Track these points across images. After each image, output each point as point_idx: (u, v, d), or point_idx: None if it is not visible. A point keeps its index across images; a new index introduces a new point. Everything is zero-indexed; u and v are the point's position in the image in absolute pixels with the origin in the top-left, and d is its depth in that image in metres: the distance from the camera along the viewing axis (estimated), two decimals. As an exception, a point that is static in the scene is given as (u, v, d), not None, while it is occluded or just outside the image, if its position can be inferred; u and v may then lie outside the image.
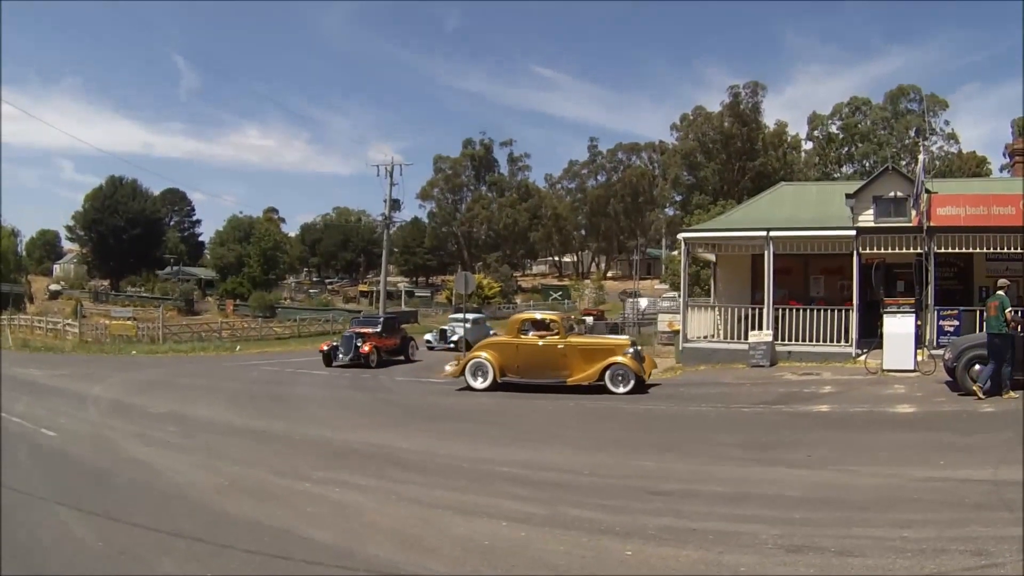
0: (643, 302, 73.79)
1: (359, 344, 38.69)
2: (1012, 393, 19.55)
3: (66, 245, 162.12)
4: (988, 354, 20.13)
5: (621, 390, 24.46)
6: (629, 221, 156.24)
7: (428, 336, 56.50)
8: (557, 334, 26.33)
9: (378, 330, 41.09)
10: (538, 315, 30.82)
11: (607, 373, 24.90)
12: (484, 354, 26.91)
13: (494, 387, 26.27)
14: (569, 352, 25.70)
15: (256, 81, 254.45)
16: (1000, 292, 20.74)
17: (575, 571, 8.26)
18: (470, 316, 56.76)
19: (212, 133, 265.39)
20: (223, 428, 19.61)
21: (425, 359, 43.37)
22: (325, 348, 40.18)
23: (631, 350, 25.50)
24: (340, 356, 38.74)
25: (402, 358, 42.58)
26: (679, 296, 38.28)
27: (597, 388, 24.98)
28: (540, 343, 26.37)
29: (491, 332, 54.93)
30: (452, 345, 51.91)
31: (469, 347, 49.63)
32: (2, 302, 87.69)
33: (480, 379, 26.53)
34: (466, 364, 27.12)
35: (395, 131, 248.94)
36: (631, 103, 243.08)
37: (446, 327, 57.15)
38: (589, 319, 68.72)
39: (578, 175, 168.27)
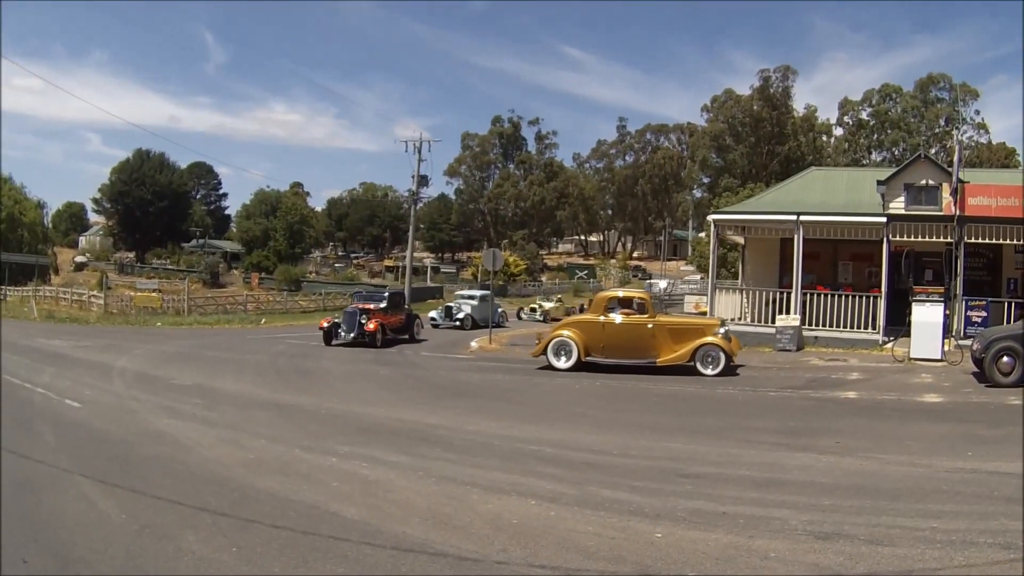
0: (662, 283, 72.74)
1: (363, 321, 36.65)
2: None
3: (92, 217, 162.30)
4: None
5: (710, 372, 24.06)
6: (656, 202, 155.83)
7: (433, 314, 54.93)
8: (646, 313, 25.68)
9: (383, 306, 38.62)
10: (622, 293, 29.42)
11: (698, 354, 24.46)
12: (568, 332, 26.17)
13: (577, 367, 25.56)
14: (658, 332, 25.07)
15: (283, 56, 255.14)
16: None
17: (604, 552, 8.22)
18: (476, 293, 57.40)
19: (239, 108, 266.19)
20: (249, 401, 19.65)
21: (431, 338, 42.43)
22: (325, 325, 38.04)
23: (722, 330, 25.05)
24: (342, 334, 36.87)
25: (406, 337, 40.03)
26: (704, 278, 38.14)
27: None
28: (628, 322, 25.58)
29: (499, 310, 55.03)
30: (458, 323, 51.98)
31: (476, 325, 49.34)
32: (27, 273, 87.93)
33: (563, 359, 25.79)
34: (548, 343, 26.31)
35: (422, 108, 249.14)
36: (658, 86, 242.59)
37: (452, 304, 55.93)
38: None
39: (606, 155, 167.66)
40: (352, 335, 36.55)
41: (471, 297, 55.24)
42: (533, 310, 62.54)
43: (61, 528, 8.99)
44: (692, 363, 24.42)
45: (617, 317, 25.67)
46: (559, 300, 66.50)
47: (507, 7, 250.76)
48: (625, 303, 26.59)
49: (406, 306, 43.46)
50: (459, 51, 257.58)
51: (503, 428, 15.96)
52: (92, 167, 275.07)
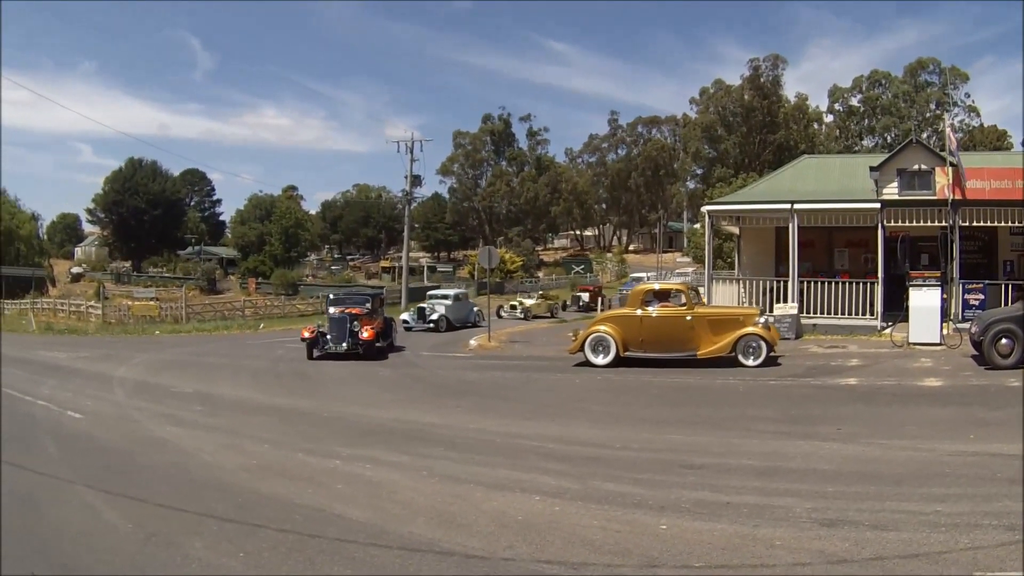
0: (645, 276, 71.14)
1: (355, 328, 31.37)
2: None
3: (87, 228, 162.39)
4: None
5: (752, 363, 23.66)
6: (650, 195, 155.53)
7: (404, 316, 50.70)
8: (684, 305, 25.22)
9: (368, 308, 33.61)
10: (658, 285, 29.12)
11: (739, 345, 24.07)
12: (605, 327, 25.54)
13: (617, 362, 24.95)
14: (697, 324, 24.60)
15: (270, 61, 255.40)
16: None
17: (610, 545, 8.26)
18: (450, 292, 54.87)
19: (228, 113, 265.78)
20: (250, 407, 19.70)
21: (406, 342, 38.21)
22: (308, 335, 31.84)
23: (762, 319, 24.80)
24: (330, 345, 31.33)
25: (387, 344, 34.08)
26: (697, 269, 37.97)
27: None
28: (666, 315, 25.11)
29: (474, 309, 53.91)
30: (432, 325, 48.58)
31: (451, 326, 47.74)
32: (24, 286, 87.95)
33: (601, 355, 25.15)
34: (586, 339, 25.66)
35: (411, 108, 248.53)
36: (645, 78, 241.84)
37: (424, 305, 51.24)
38: (584, 295, 67.91)
39: (598, 149, 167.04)
40: (343, 346, 31.14)
41: (445, 297, 52.54)
42: (513, 307, 60.02)
43: (67, 539, 9.02)
44: (733, 354, 24.07)
45: (654, 310, 25.37)
46: (541, 297, 65.07)
47: (489, 5, 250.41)
48: (663, 296, 26.31)
49: (382, 309, 37.55)
50: (444, 51, 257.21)
51: (505, 425, 15.99)
52: (85, 177, 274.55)
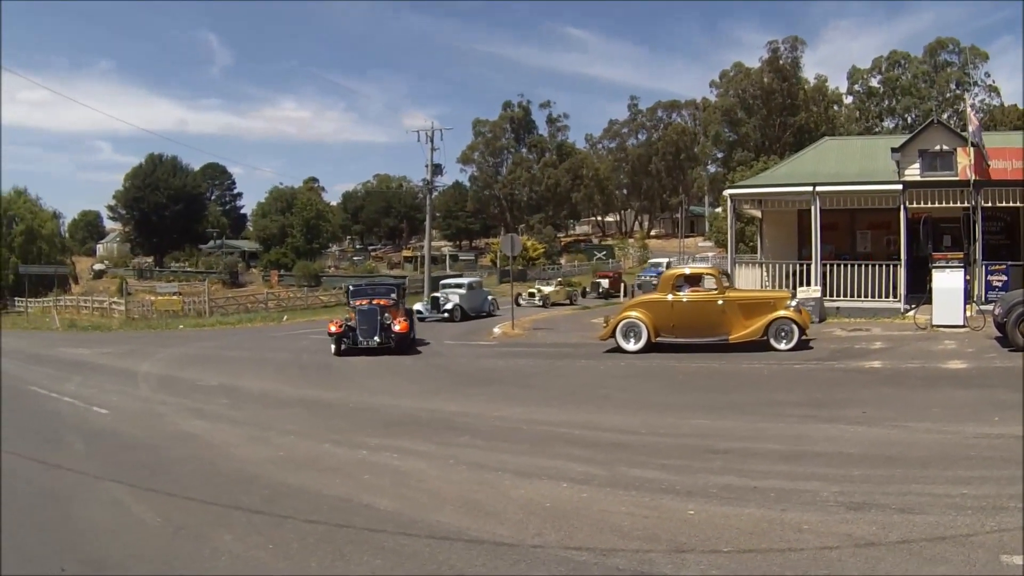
0: (664, 261, 70.02)
1: (387, 321, 29.30)
2: None
3: (108, 224, 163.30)
4: None
5: (784, 346, 23.57)
6: (671, 179, 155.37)
7: (418, 306, 48.61)
8: (714, 290, 25.09)
9: (395, 299, 31.58)
10: (688, 270, 29.18)
11: (771, 329, 23.95)
12: (636, 313, 25.49)
13: (648, 348, 24.99)
14: (728, 308, 24.51)
15: (288, 55, 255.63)
16: None
17: (638, 531, 8.27)
18: (464, 280, 54.03)
19: (247, 108, 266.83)
20: (275, 399, 19.74)
21: (424, 333, 36.75)
22: (335, 330, 29.48)
23: (793, 303, 24.60)
24: (362, 339, 29.00)
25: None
26: (720, 254, 37.82)
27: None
28: (697, 299, 25.03)
29: (489, 298, 53.34)
30: (446, 315, 47.66)
31: (465, 316, 46.85)
32: (47, 284, 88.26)
33: (632, 340, 25.15)
34: (617, 324, 25.58)
35: (430, 99, 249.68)
36: (664, 63, 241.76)
37: (439, 294, 50.24)
38: (604, 282, 67.53)
39: (618, 134, 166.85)
40: (375, 340, 28.91)
41: (459, 286, 51.36)
42: (532, 295, 58.75)
43: (95, 534, 9.05)
44: (765, 338, 23.96)
45: (685, 295, 25.24)
46: (559, 283, 64.28)
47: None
48: (693, 280, 26.18)
49: (404, 299, 35.30)
50: (462, 41, 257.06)
51: (530, 413, 16.01)
52: (104, 175, 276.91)
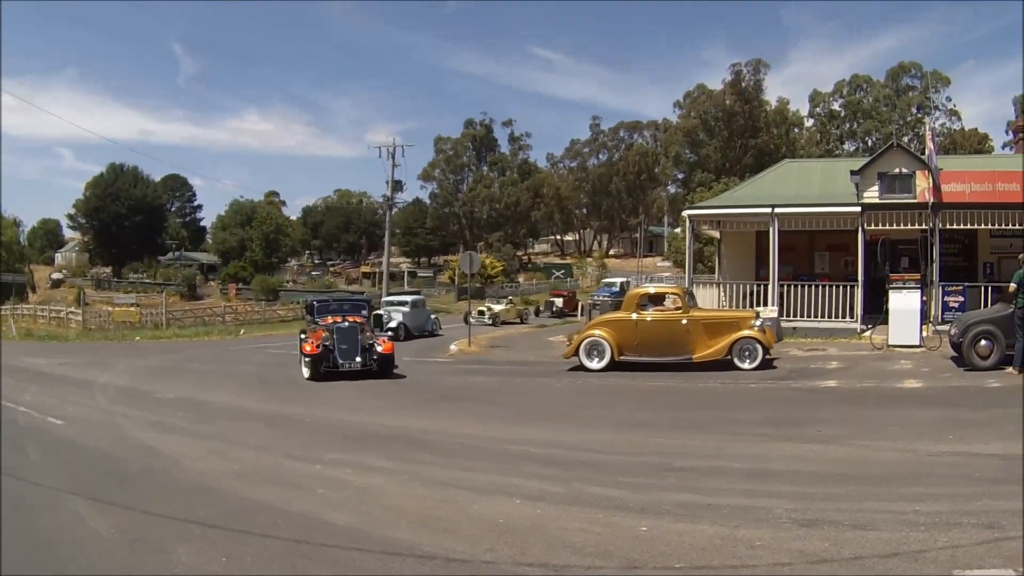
0: (618, 281, 69.25)
1: (371, 341, 26.76)
2: None
3: (68, 233, 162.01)
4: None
5: (748, 366, 23.60)
6: (631, 199, 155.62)
7: None
8: (679, 309, 25.04)
9: (366, 316, 29.74)
10: (653, 289, 29.19)
11: (735, 348, 23.99)
12: (599, 332, 25.49)
13: (612, 367, 24.85)
14: (693, 328, 24.46)
15: (254, 65, 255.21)
16: None
17: (591, 548, 8.29)
18: (407, 298, 52.52)
19: (211, 119, 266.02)
20: (234, 413, 19.68)
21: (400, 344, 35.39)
22: (310, 351, 26.02)
23: (757, 322, 24.64)
24: (343, 361, 25.94)
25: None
26: (676, 275, 37.89)
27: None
28: (661, 318, 25.03)
29: (431, 317, 52.53)
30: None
31: (409, 335, 45.56)
32: (5, 292, 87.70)
33: (596, 359, 25.14)
34: (580, 343, 25.57)
35: (395, 114, 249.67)
36: (632, 84, 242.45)
37: (381, 312, 45.14)
38: (558, 301, 67.40)
39: (580, 154, 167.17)
40: (357, 362, 26.07)
41: (402, 303, 49.84)
42: (481, 313, 58.37)
43: (53, 547, 8.99)
44: (729, 357, 24.03)
45: (649, 314, 25.28)
46: (510, 302, 64.30)
47: (475, 7, 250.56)
48: (657, 299, 26.20)
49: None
50: (428, 56, 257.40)
51: (490, 430, 16.04)
52: (66, 183, 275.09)
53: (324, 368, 25.78)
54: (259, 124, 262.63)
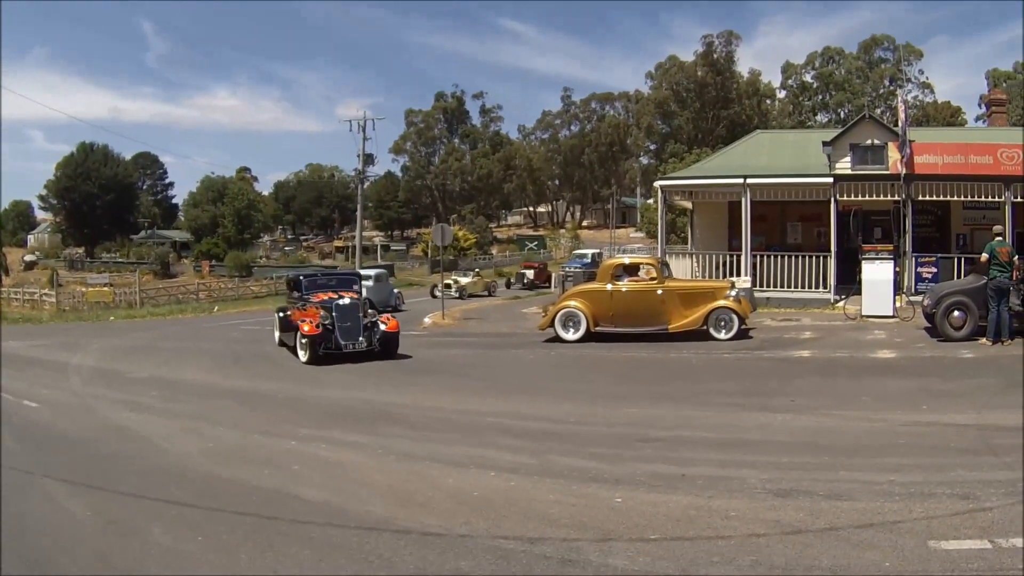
0: (589, 252, 68.57)
1: (374, 319, 24.75)
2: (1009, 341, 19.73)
3: (39, 215, 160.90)
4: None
5: (723, 336, 23.70)
6: (603, 170, 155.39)
7: None
8: (654, 279, 25.03)
9: (358, 291, 27.45)
10: (628, 259, 28.79)
11: (710, 318, 24.04)
12: (575, 303, 25.40)
13: (587, 338, 24.88)
14: (668, 298, 24.53)
15: (223, 42, 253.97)
16: (999, 239, 20.74)
17: (566, 519, 8.31)
18: (371, 272, 50.18)
19: (180, 96, 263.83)
20: (207, 391, 19.57)
21: None
22: (308, 331, 23.39)
23: (733, 292, 24.65)
24: (345, 342, 23.55)
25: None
26: (648, 246, 37.83)
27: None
28: (637, 289, 25.00)
29: (394, 291, 51.57)
30: None
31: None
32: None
33: (572, 330, 25.10)
34: (556, 314, 25.54)
35: (365, 88, 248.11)
36: (602, 57, 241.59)
37: None
38: (529, 273, 67.32)
39: (551, 125, 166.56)
40: (361, 342, 23.87)
41: (366, 278, 42.64)
42: (448, 286, 55.38)
43: (27, 530, 8.92)
44: (705, 327, 24.06)
45: (625, 284, 25.24)
46: (477, 275, 63.92)
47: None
48: (632, 270, 26.16)
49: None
50: (399, 31, 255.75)
51: (464, 403, 16.03)
52: (36, 164, 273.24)
53: (324, 350, 23.45)
54: (228, 100, 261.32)
